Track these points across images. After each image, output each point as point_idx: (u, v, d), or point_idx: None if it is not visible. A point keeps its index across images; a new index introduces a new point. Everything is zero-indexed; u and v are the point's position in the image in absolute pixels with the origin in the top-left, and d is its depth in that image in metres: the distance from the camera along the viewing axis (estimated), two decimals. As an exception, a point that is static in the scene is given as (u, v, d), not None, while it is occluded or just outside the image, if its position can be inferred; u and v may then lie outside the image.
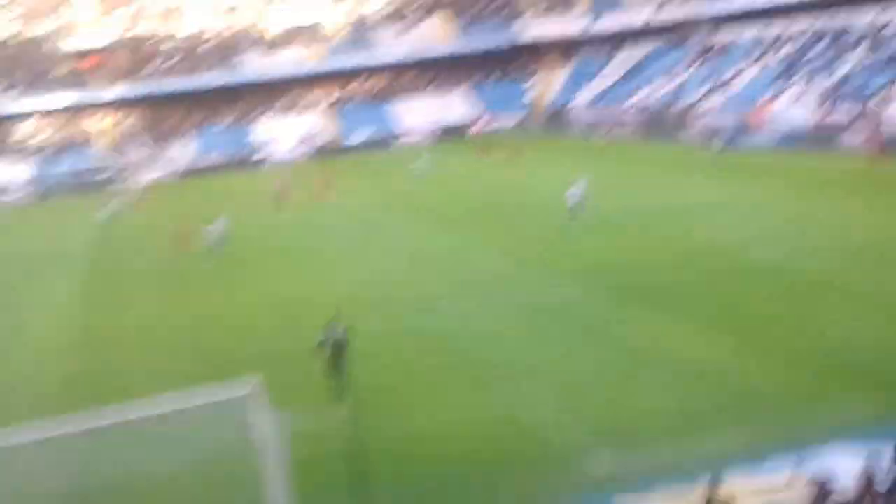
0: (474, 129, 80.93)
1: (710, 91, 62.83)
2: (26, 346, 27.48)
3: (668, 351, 19.84)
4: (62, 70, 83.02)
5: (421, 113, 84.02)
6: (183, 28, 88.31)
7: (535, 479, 14.62)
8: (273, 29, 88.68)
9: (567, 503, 14.12)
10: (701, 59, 69.46)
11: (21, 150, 79.42)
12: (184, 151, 79.90)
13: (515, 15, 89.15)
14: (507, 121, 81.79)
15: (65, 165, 76.33)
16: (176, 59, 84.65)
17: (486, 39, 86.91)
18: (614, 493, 13.79)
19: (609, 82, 77.56)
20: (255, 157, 78.62)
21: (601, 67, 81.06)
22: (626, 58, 79.56)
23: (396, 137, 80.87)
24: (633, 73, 75.92)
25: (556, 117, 78.55)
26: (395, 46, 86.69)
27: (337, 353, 18.94)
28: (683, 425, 16.02)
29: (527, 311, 24.29)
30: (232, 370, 20.01)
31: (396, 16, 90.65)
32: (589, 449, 15.45)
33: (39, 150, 79.63)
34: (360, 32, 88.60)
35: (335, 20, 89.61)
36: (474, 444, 16.32)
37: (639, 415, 16.71)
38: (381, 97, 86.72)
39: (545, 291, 26.10)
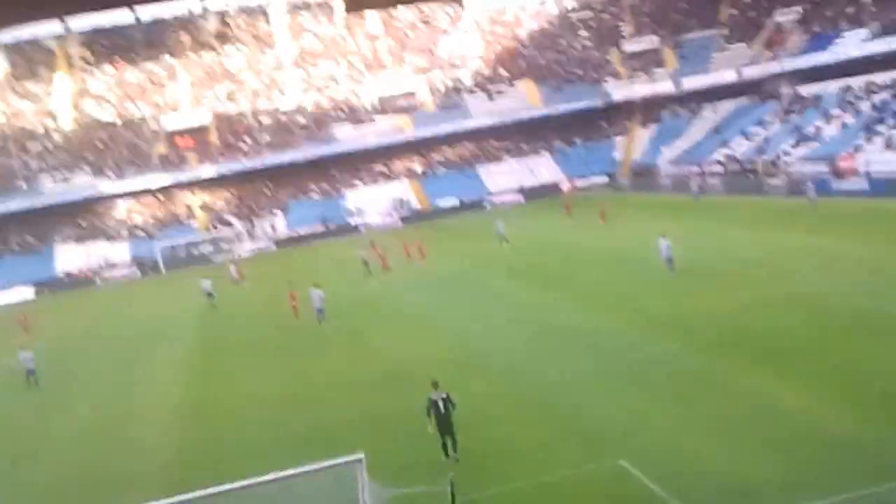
0: (561, 189, 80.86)
1: (798, 143, 61.86)
2: (136, 418, 27.96)
3: (771, 406, 19.14)
4: (159, 150, 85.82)
5: (508, 176, 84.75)
6: (276, 104, 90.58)
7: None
8: (364, 101, 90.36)
9: None
10: (787, 113, 68.70)
11: (122, 229, 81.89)
12: (279, 223, 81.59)
13: (601, 78, 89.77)
14: (594, 181, 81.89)
15: (164, 242, 78.39)
16: (270, 134, 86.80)
17: (571, 103, 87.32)
18: None
19: (695, 139, 77.24)
20: (349, 226, 79.85)
21: (687, 125, 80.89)
22: (712, 114, 79.32)
23: (484, 201, 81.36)
24: (719, 129, 75.53)
25: (643, 175, 78.42)
26: (482, 112, 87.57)
27: (444, 417, 19.03)
28: (789, 484, 15.42)
29: (625, 367, 23.86)
30: (340, 437, 20.10)
31: (484, 83, 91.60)
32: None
33: (139, 228, 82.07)
34: (449, 100, 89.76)
35: (425, 90, 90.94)
36: (575, 501, 15.93)
37: (744, 472, 16.10)
38: (469, 162, 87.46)
39: (641, 347, 25.64)
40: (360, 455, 14.23)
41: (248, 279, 57.20)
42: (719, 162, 68.67)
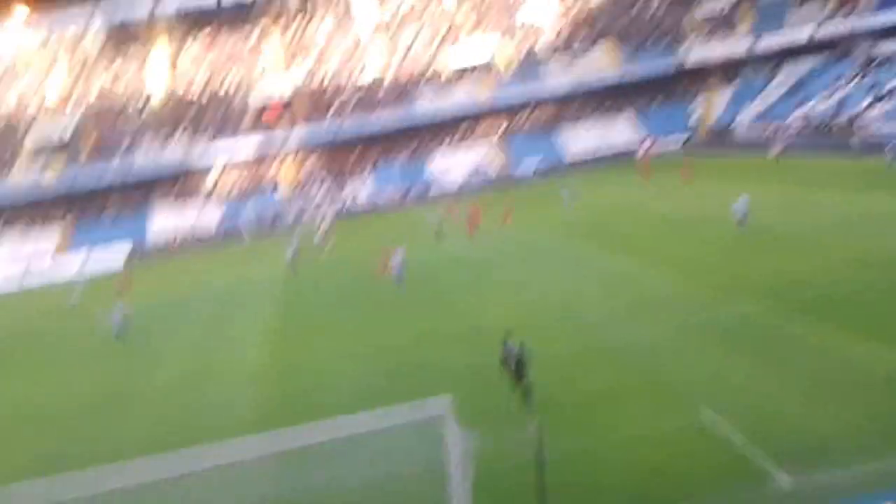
0: (640, 152, 79.95)
1: (875, 102, 60.09)
2: (224, 373, 28.85)
3: (850, 363, 19.06)
4: (248, 119, 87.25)
5: (587, 139, 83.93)
6: (360, 72, 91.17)
7: (720, 496, 14.28)
8: (445, 67, 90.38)
9: None
10: (864, 71, 66.66)
11: (212, 196, 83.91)
12: (363, 188, 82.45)
13: (679, 40, 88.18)
14: (672, 143, 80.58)
15: (252, 208, 79.92)
16: (354, 103, 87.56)
17: (650, 65, 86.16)
18: None
19: (772, 99, 75.49)
20: (430, 191, 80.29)
21: (764, 85, 79.07)
22: (789, 74, 77.34)
23: (564, 165, 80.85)
24: (797, 89, 73.65)
25: (721, 137, 76.81)
26: (561, 77, 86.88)
27: (519, 367, 19.53)
28: (872, 441, 15.33)
29: (702, 328, 23.83)
30: (422, 390, 20.61)
31: (563, 47, 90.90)
32: (773, 466, 15.01)
33: (229, 194, 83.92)
34: (529, 66, 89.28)
35: (505, 55, 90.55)
36: (657, 460, 16.12)
37: (823, 426, 16.09)
38: (549, 127, 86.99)
39: (719, 308, 25.53)
40: (446, 399, 14.53)
41: (333, 243, 58.06)
42: (797, 122, 67.16)
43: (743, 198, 37.10)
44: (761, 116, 73.87)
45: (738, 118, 76.84)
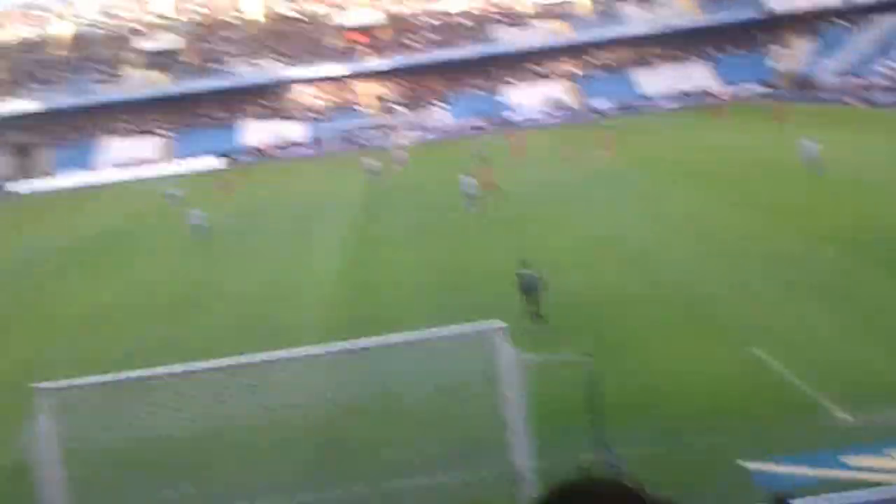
0: (715, 97, 76.90)
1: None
2: (299, 282, 28.34)
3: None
4: (338, 43, 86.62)
5: (663, 82, 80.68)
6: (444, 5, 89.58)
7: (768, 431, 13.50)
8: (526, 4, 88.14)
9: (799, 455, 12.82)
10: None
11: (300, 111, 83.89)
12: (441, 115, 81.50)
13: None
14: (750, 90, 76.82)
15: (337, 125, 79.72)
16: (437, 33, 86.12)
17: (730, 12, 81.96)
18: (846, 451, 12.51)
19: (857, 52, 71.37)
20: (504, 122, 78.62)
21: (850, 37, 74.71)
22: (877, 28, 73.13)
23: (638, 105, 78.07)
24: (882, 43, 69.63)
25: (802, 87, 72.47)
26: (640, 19, 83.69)
27: (532, 294, 19.67)
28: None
29: (767, 269, 22.51)
30: (482, 311, 19.94)
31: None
32: (824, 405, 14.12)
33: (315, 111, 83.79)
34: (608, 6, 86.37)
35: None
36: (710, 393, 15.31)
37: (879, 375, 15.05)
38: (625, 67, 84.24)
39: (786, 250, 24.10)
40: (502, 324, 14.05)
41: (409, 164, 57.42)
42: (881, 75, 63.64)
43: (812, 142, 35.12)
44: (845, 68, 69.98)
45: (822, 69, 72.75)
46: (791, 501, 8.98)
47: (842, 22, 77.70)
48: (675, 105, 76.55)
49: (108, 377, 15.68)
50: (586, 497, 1.06)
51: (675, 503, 0.92)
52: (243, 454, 14.84)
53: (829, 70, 71.54)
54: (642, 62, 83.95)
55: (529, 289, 19.71)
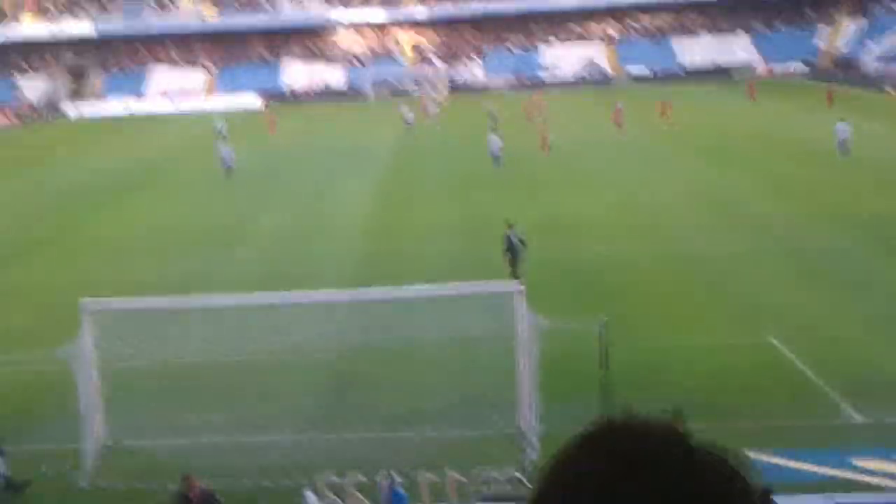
0: (755, 71, 74.77)
1: None
2: (327, 225, 28.57)
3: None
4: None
5: (702, 52, 78.70)
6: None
7: (776, 423, 13.32)
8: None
9: (806, 451, 12.65)
10: None
11: (341, 56, 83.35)
12: (476, 69, 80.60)
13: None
14: (791, 67, 74.55)
15: (375, 72, 79.08)
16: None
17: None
18: (855, 451, 12.32)
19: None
20: (539, 80, 77.64)
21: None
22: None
23: (674, 74, 76.29)
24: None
25: (845, 68, 70.16)
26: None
27: (515, 255, 20.16)
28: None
29: (789, 252, 22.25)
30: (500, 269, 20.06)
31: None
32: (837, 402, 13.94)
33: (355, 56, 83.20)
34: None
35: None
36: (719, 377, 15.17)
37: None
38: (664, 33, 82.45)
39: (810, 234, 23.74)
40: (520, 286, 14.09)
41: (442, 117, 56.93)
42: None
43: (844, 124, 34.49)
44: (891, 52, 67.70)
45: (866, 51, 70.55)
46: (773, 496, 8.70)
47: (892, 5, 74.89)
48: (712, 77, 74.82)
49: (147, 300, 16.18)
50: (630, 436, 0.99)
51: (724, 452, 0.91)
52: (264, 387, 15.27)
53: (873, 54, 69.43)
54: (684, 30, 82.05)
55: (513, 249, 20.24)
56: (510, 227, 20.51)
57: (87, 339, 13.41)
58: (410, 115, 51.78)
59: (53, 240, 28.11)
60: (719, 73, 74.73)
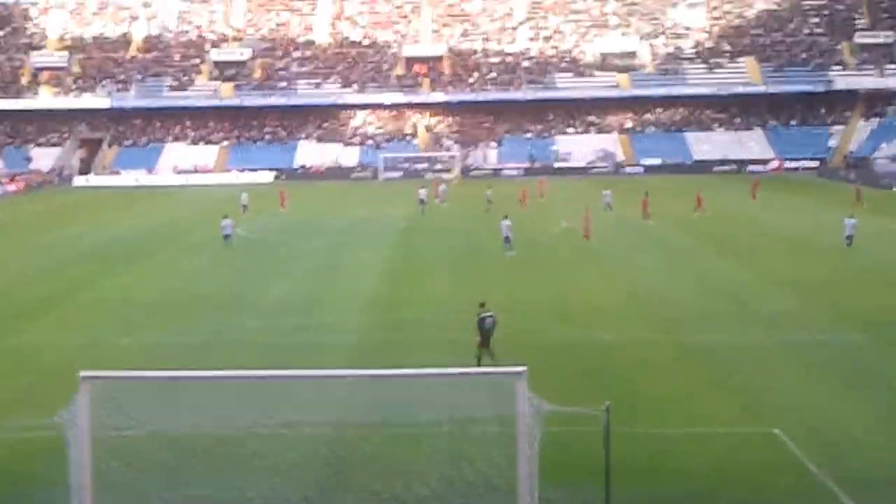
0: (768, 167, 76.20)
1: None
2: (331, 297, 28.88)
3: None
4: (398, 72, 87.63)
5: (716, 146, 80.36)
6: (505, 47, 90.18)
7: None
8: (587, 54, 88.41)
9: None
10: None
11: (355, 136, 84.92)
12: (491, 154, 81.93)
13: (827, 65, 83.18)
14: (803, 164, 76.07)
15: (388, 153, 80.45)
16: (495, 73, 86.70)
17: (792, 85, 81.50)
18: None
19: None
20: (554, 167, 78.85)
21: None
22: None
23: (688, 166, 77.74)
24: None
25: (857, 167, 71.18)
26: (700, 81, 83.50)
27: (486, 333, 20.12)
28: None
29: (795, 344, 22.24)
30: (504, 351, 20.04)
31: (706, 54, 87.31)
32: (839, 496, 13.79)
33: (369, 137, 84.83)
34: (669, 65, 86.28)
35: (646, 52, 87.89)
36: (722, 467, 15.04)
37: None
38: (679, 126, 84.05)
39: (816, 328, 23.78)
40: (523, 368, 14.09)
41: (452, 199, 57.54)
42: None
43: (851, 219, 35.46)
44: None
45: (879, 152, 71.74)
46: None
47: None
48: (726, 169, 75.87)
49: (145, 373, 16.14)
50: None
51: None
52: (258, 463, 15.09)
53: (885, 154, 70.47)
54: (699, 124, 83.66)
55: (485, 329, 20.23)
56: (482, 305, 20.65)
57: (84, 408, 13.35)
58: (423, 193, 52.67)
59: (55, 303, 28.31)
60: (732, 168, 75.86)
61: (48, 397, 16.14)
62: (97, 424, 13.53)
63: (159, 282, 31.97)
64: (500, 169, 79.09)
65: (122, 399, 14.23)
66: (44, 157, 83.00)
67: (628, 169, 78.04)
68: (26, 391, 19.17)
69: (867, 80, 79.98)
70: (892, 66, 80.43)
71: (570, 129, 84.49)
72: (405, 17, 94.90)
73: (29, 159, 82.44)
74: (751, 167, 76.15)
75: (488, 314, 20.40)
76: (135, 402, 14.43)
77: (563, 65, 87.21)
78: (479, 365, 19.55)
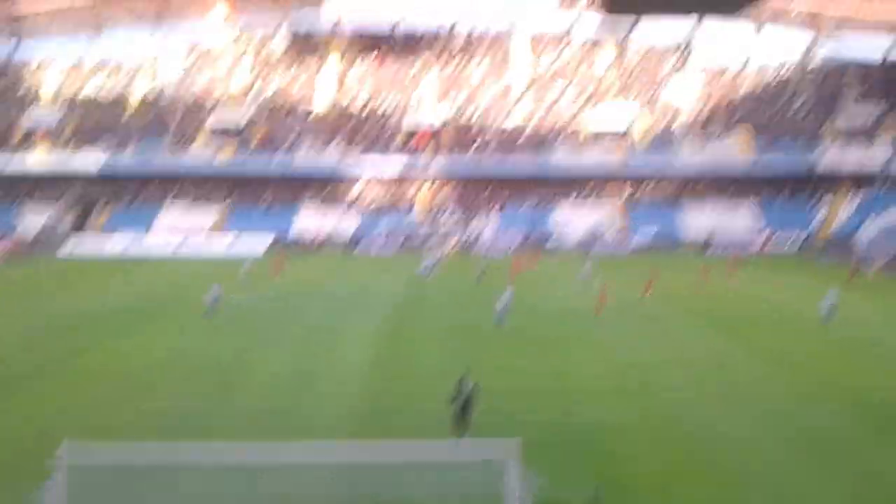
0: (755, 244, 77.64)
1: None
2: (326, 369, 29.03)
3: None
4: (399, 140, 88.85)
5: (708, 219, 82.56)
6: (505, 117, 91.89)
7: None
8: (585, 126, 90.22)
9: None
10: None
11: (354, 204, 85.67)
12: (489, 225, 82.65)
13: (815, 142, 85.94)
14: (788, 240, 78.28)
15: (387, 222, 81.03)
16: (494, 143, 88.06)
17: (781, 161, 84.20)
18: None
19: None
20: (550, 239, 79.76)
21: (891, 204, 75.39)
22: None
23: (680, 242, 79.25)
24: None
25: (840, 245, 73.30)
26: (692, 155, 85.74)
27: (466, 406, 20.36)
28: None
29: (779, 424, 22.63)
30: (495, 429, 20.11)
31: (698, 128, 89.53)
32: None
33: (368, 205, 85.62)
34: (663, 140, 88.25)
35: (642, 126, 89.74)
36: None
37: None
38: (672, 201, 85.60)
39: (800, 407, 24.13)
40: (515, 442, 14.16)
41: (449, 269, 57.94)
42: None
43: (832, 292, 36.94)
44: (887, 233, 70.18)
45: (862, 230, 73.32)
46: None
47: (891, 187, 78.57)
48: (715, 244, 76.94)
49: (124, 448, 16.06)
50: None
51: None
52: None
53: (867, 233, 71.82)
54: (691, 198, 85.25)
55: (465, 399, 20.46)
56: (464, 378, 20.89)
57: (62, 481, 13.19)
58: (425, 264, 53.05)
59: (34, 377, 27.87)
60: (721, 240, 77.44)
61: (23, 477, 16.03)
62: (75, 497, 13.33)
63: (147, 352, 31.51)
64: (497, 239, 79.67)
65: (98, 474, 13.95)
66: (34, 219, 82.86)
67: (623, 241, 79.37)
68: (2, 466, 18.84)
69: (853, 159, 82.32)
70: (877, 146, 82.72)
71: (568, 201, 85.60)
72: (407, 85, 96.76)
73: (18, 220, 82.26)
74: (740, 241, 78.00)
75: (467, 383, 20.63)
76: (111, 477, 14.15)
77: (562, 136, 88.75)
78: (458, 435, 19.87)
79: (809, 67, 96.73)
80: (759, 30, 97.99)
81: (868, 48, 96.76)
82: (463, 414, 20.36)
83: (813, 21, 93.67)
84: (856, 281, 50.01)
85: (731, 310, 42.14)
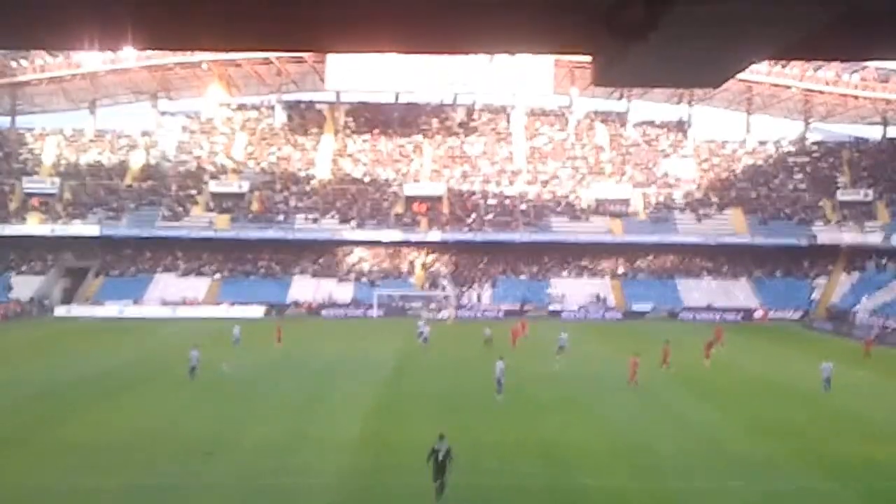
0: (753, 315, 78.38)
1: None
2: (316, 435, 29.25)
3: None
4: (397, 210, 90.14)
5: (704, 293, 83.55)
6: (503, 189, 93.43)
7: None
8: (582, 200, 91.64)
9: None
10: None
11: (350, 272, 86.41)
12: (485, 295, 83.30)
13: (810, 220, 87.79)
14: (787, 315, 79.12)
15: (383, 290, 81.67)
16: (493, 214, 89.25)
17: (777, 238, 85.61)
18: None
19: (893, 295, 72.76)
20: (547, 309, 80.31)
21: (892, 279, 76.38)
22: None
23: (677, 313, 79.89)
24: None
25: (838, 319, 74.32)
26: (689, 230, 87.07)
27: (442, 466, 21.07)
28: None
29: (775, 497, 22.78)
30: (495, 496, 20.38)
31: (695, 204, 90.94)
32: None
33: (365, 274, 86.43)
34: (660, 214, 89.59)
35: (639, 200, 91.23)
36: None
37: None
38: (669, 273, 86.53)
39: (796, 478, 24.42)
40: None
41: (446, 338, 58.23)
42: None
43: (828, 363, 38.07)
44: (884, 308, 71.04)
45: (859, 305, 74.28)
46: None
47: (886, 263, 79.84)
48: (712, 318, 77.58)
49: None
50: None
51: None
52: None
53: (865, 307, 72.61)
54: (687, 272, 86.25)
55: (441, 462, 21.10)
56: (441, 438, 21.46)
57: None
58: (426, 331, 53.61)
59: (14, 445, 27.61)
60: (719, 314, 78.22)
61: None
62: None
63: (132, 421, 31.23)
64: (492, 309, 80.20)
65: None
66: (25, 286, 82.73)
67: (620, 314, 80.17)
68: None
69: (848, 236, 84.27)
70: (872, 222, 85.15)
71: (564, 273, 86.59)
72: (406, 156, 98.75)
73: (9, 287, 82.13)
74: (738, 315, 78.92)
75: (442, 447, 21.19)
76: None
77: (559, 209, 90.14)
78: (437, 497, 20.44)
79: (804, 146, 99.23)
80: (749, 116, 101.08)
81: (861, 129, 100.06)
82: (439, 473, 21.05)
83: (803, 108, 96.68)
84: (866, 355, 51.21)
85: (731, 382, 42.47)
